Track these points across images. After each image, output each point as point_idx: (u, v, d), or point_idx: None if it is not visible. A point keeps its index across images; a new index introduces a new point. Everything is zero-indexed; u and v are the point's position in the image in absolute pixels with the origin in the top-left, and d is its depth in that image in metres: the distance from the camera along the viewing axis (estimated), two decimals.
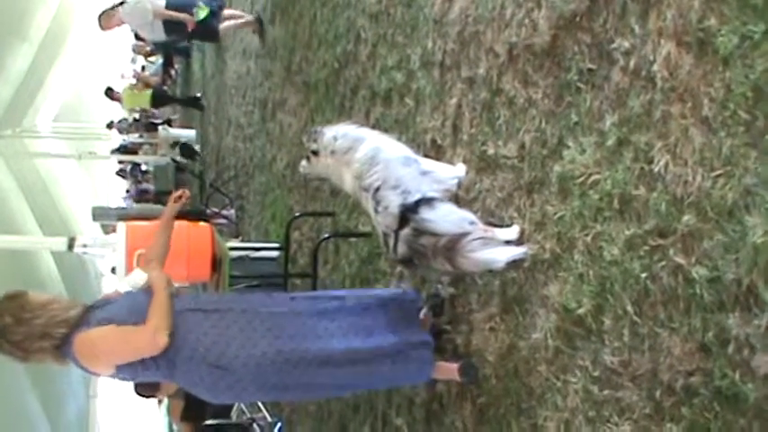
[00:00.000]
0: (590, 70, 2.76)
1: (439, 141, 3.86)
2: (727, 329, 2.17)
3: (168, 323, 3.09)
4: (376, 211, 3.27)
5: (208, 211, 8.81)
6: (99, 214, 9.50)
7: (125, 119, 22.08)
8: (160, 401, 7.33)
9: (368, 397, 4.63)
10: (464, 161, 3.60)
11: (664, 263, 2.40)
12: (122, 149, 19.97)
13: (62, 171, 17.13)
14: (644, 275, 2.46)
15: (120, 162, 21.18)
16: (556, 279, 2.90)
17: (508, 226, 3.22)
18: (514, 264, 3.09)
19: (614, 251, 2.59)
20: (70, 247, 5.55)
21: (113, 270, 5.61)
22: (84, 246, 5.72)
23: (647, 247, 2.46)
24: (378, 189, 3.24)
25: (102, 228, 10.21)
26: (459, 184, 3.57)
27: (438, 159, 3.78)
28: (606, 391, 2.62)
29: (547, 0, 3.03)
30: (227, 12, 8.97)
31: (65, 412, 11.06)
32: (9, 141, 12.18)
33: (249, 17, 8.89)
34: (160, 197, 14.88)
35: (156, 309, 3.11)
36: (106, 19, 8.58)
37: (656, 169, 2.43)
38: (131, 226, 4.61)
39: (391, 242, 3.25)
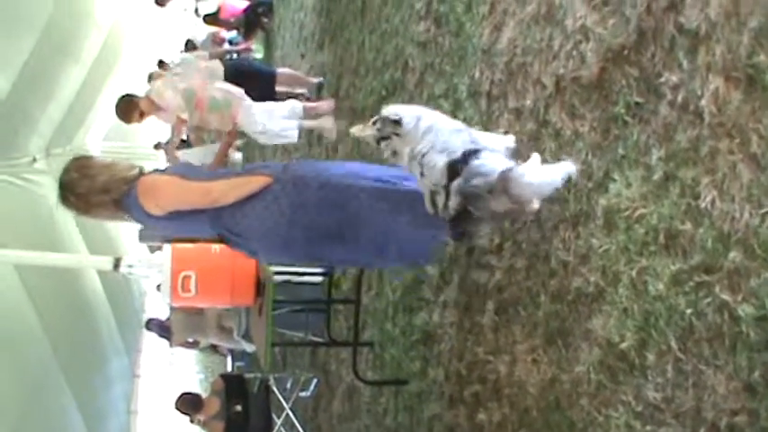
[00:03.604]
0: (637, 104, 2.76)
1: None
2: None
3: (224, 201, 3.48)
4: (422, 174, 3.15)
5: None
6: (145, 235, 9.61)
7: (171, 139, 22.28)
8: (198, 422, 7.37)
9: None
10: None
11: (709, 299, 2.37)
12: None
13: None
14: (689, 312, 2.44)
15: None
16: (600, 313, 2.88)
17: None
18: (568, 182, 2.96)
19: (659, 286, 2.57)
20: (116, 266, 5.62)
21: (159, 287, 5.68)
22: (130, 266, 5.79)
23: (692, 283, 2.44)
24: (425, 154, 3.13)
25: (148, 247, 10.32)
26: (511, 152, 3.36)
27: None
28: (649, 427, 2.60)
29: (594, 33, 3.04)
30: (285, 71, 8.58)
31: (106, 428, 11.13)
32: (60, 160, 12.34)
33: (311, 80, 8.37)
34: None
35: (225, 187, 3.53)
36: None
37: (703, 205, 2.42)
38: (177, 248, 4.67)
39: (441, 199, 3.07)
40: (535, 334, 3.32)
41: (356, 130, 3.40)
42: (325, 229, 3.51)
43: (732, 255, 2.30)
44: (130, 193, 3.55)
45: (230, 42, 13.92)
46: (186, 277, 4.22)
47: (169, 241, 5.36)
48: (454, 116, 4.22)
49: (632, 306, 2.70)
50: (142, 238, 9.31)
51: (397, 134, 3.26)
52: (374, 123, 3.31)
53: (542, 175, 2.87)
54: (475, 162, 2.96)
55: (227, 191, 3.52)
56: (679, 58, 2.58)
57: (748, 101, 2.30)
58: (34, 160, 10.15)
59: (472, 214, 3.00)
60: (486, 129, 3.87)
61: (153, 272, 5.72)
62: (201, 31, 15.39)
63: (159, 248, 6.05)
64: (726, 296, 2.31)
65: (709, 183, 2.41)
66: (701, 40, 2.49)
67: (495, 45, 3.87)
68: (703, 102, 2.45)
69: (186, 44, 15.35)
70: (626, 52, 2.84)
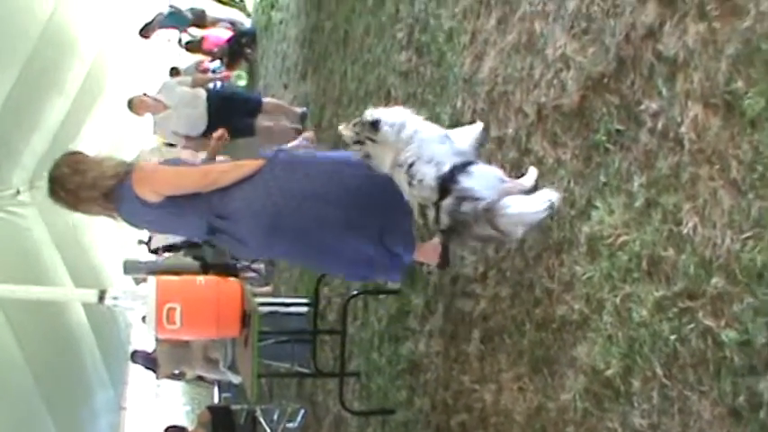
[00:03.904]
0: (618, 131, 2.78)
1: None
2: (758, 394, 2.15)
3: (220, 183, 3.62)
4: (410, 184, 3.21)
5: (238, 264, 8.85)
6: (130, 268, 9.55)
7: None
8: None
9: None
10: None
11: (693, 325, 2.38)
12: None
13: (93, 222, 17.27)
14: (673, 338, 2.45)
15: None
16: (584, 340, 2.88)
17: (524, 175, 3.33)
18: (551, 210, 2.99)
19: (643, 313, 2.58)
20: (101, 299, 5.58)
21: (144, 319, 5.65)
22: (115, 298, 5.74)
23: (676, 309, 2.45)
24: (412, 164, 3.20)
25: (133, 279, 10.26)
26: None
27: None
28: None
29: (575, 61, 3.06)
30: (270, 100, 8.68)
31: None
32: (44, 192, 12.28)
33: (295, 109, 8.40)
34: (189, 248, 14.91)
35: (221, 169, 3.72)
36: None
37: (685, 231, 2.43)
38: (162, 280, 4.64)
39: (431, 214, 3.16)
40: (521, 362, 3.32)
41: (342, 128, 3.51)
42: (310, 219, 3.62)
43: (714, 280, 2.31)
44: (124, 184, 3.64)
45: (213, 72, 13.95)
46: (171, 309, 4.19)
47: (154, 273, 5.34)
48: None
49: (617, 333, 2.71)
50: (127, 270, 9.25)
51: (372, 140, 3.35)
52: (354, 125, 3.44)
53: (527, 207, 2.96)
54: (466, 184, 3.02)
55: (224, 171, 3.69)
56: (658, 85, 2.60)
57: (727, 127, 2.32)
58: (18, 193, 10.10)
59: (459, 233, 3.12)
60: None
61: (138, 304, 5.69)
62: (186, 60, 15.40)
63: (144, 280, 6.02)
64: (709, 322, 2.32)
65: (691, 209, 2.42)
66: (680, 67, 2.52)
67: (476, 74, 3.89)
68: (683, 128, 2.47)
69: (171, 71, 15.36)
70: (606, 80, 2.86)
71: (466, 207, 3.01)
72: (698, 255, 2.38)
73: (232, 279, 5.18)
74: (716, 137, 2.35)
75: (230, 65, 13.38)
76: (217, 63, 14.44)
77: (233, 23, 13.72)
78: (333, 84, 6.89)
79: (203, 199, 3.65)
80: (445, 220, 3.09)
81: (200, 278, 4.75)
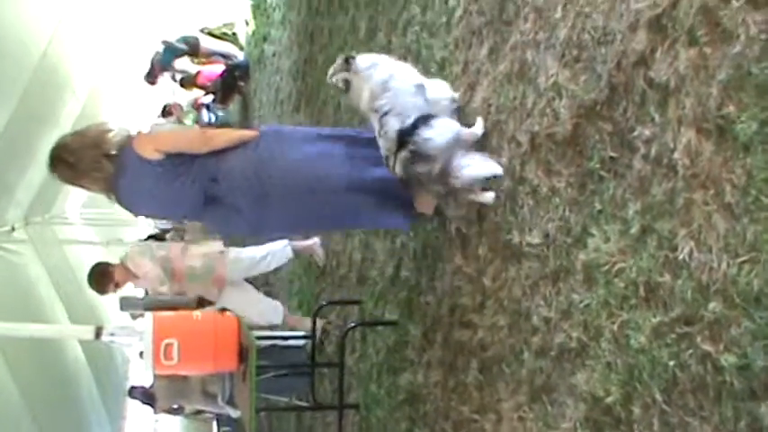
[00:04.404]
0: (612, 158, 2.79)
1: (463, 230, 3.88)
2: (759, 418, 2.13)
3: (218, 145, 3.82)
4: (379, 134, 3.64)
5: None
6: (126, 304, 9.52)
7: None
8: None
9: None
10: (489, 250, 3.62)
11: (692, 351, 2.37)
12: (150, 238, 20.07)
13: (90, 258, 17.24)
14: (672, 363, 2.44)
15: None
16: (583, 368, 2.87)
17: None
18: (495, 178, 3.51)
19: (641, 339, 2.57)
20: (97, 335, 5.55)
21: (141, 354, 5.62)
22: (112, 334, 5.72)
23: (674, 335, 2.44)
24: (385, 114, 3.60)
25: (130, 315, 10.24)
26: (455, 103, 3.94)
27: (464, 249, 3.82)
28: None
29: (567, 89, 3.07)
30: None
31: None
32: (38, 228, 12.29)
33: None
34: None
35: (221, 131, 4.05)
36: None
37: (681, 256, 2.43)
38: (158, 316, 4.63)
39: (391, 163, 3.61)
40: (520, 391, 3.31)
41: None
42: (303, 180, 3.85)
43: (712, 305, 2.31)
44: (125, 150, 3.81)
45: (208, 108, 13.98)
46: (168, 345, 4.19)
47: (151, 309, 5.32)
48: None
49: (615, 360, 2.70)
50: (123, 306, 9.23)
51: (347, 70, 3.81)
52: (334, 69, 3.87)
53: (474, 170, 3.49)
54: (425, 134, 3.48)
55: (220, 133, 3.99)
56: (650, 111, 2.61)
57: (720, 152, 2.32)
58: (13, 229, 10.10)
59: (413, 185, 3.71)
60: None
61: (135, 340, 5.67)
62: (182, 97, 15.45)
63: (141, 316, 6.01)
64: (708, 347, 2.31)
65: (686, 234, 2.42)
66: (671, 93, 2.52)
67: (469, 104, 3.91)
68: (676, 154, 2.47)
69: (163, 109, 15.39)
70: (598, 108, 2.87)
71: (421, 168, 3.50)
72: (694, 280, 2.38)
73: (229, 314, 5.18)
74: (709, 162, 2.36)
75: (224, 98, 13.42)
76: (210, 97, 14.50)
77: (226, 57, 13.76)
78: (326, 115, 6.91)
79: (199, 162, 3.82)
80: (399, 170, 3.58)
81: (197, 313, 4.75)
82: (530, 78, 3.37)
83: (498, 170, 3.49)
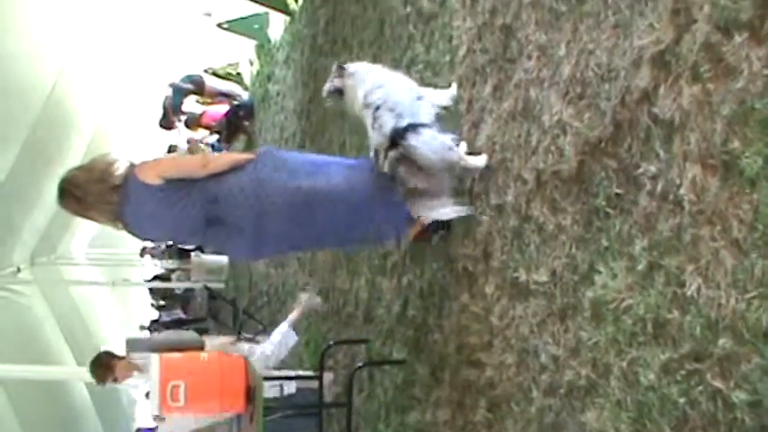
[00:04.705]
0: (618, 195, 2.79)
1: (470, 269, 3.87)
2: None
3: (217, 168, 3.94)
4: (372, 127, 3.82)
5: (241, 336, 8.79)
6: (133, 346, 9.49)
7: (157, 245, 22.29)
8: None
9: None
10: (496, 288, 3.61)
11: (702, 387, 2.36)
12: (156, 279, 20.09)
13: (96, 298, 17.26)
14: (682, 400, 2.42)
15: (151, 291, 21.25)
16: (593, 405, 2.85)
17: (479, 153, 3.81)
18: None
19: (651, 376, 2.56)
20: None
21: (147, 395, 5.60)
22: None
23: (683, 372, 2.43)
24: (378, 108, 3.79)
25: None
26: (453, 102, 4.13)
27: (470, 287, 3.81)
28: None
29: (571, 126, 3.08)
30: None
31: None
32: (44, 269, 12.32)
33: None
34: (193, 322, 14.85)
35: (218, 156, 4.32)
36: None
37: (689, 293, 2.42)
38: (165, 357, 4.62)
39: (381, 158, 3.78)
40: (529, 429, 3.28)
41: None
42: (297, 197, 3.93)
43: (721, 341, 2.29)
44: (129, 179, 3.94)
45: (213, 147, 14.02)
46: (175, 386, 4.19)
47: (157, 351, 5.30)
48: None
49: (625, 397, 2.68)
50: (130, 348, 9.20)
51: (339, 76, 4.10)
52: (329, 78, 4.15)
53: (436, 213, 3.74)
54: (412, 141, 3.63)
55: (218, 158, 4.22)
56: (655, 148, 2.61)
57: (725, 187, 2.32)
58: (18, 270, 10.11)
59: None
60: (469, 226, 3.90)
61: (141, 381, 5.65)
62: (186, 137, 15.50)
63: (147, 359, 5.97)
64: (718, 383, 2.30)
65: (694, 270, 2.41)
66: (676, 129, 2.53)
67: (474, 142, 3.91)
68: (682, 190, 2.47)
69: (169, 149, 15.43)
70: (603, 145, 2.88)
71: (402, 172, 3.70)
72: (703, 316, 2.37)
73: (236, 354, 5.16)
74: (715, 197, 2.35)
75: (229, 138, 13.46)
76: (215, 137, 14.55)
77: (231, 96, 13.82)
78: (331, 153, 6.92)
79: (200, 185, 3.93)
80: (386, 167, 3.75)
81: (203, 354, 4.74)
82: (534, 116, 3.38)
83: (451, 216, 3.77)
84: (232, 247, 4.32)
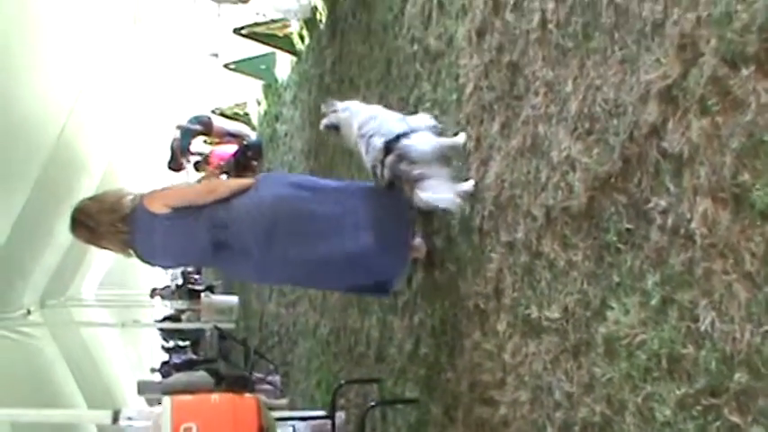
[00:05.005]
0: (628, 230, 2.78)
1: (482, 306, 3.86)
2: None
3: (224, 193, 4.17)
4: (366, 152, 4.15)
5: (253, 376, 8.78)
6: (144, 388, 9.47)
7: (168, 286, 22.29)
8: None
9: None
10: (508, 325, 3.60)
11: (719, 423, 2.33)
12: (166, 320, 20.07)
13: (106, 340, 17.25)
14: None
15: (161, 332, 21.21)
16: None
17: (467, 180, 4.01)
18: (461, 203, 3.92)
19: (666, 412, 2.53)
20: (115, 420, 5.51)
21: None
22: (129, 418, 5.68)
23: (699, 407, 2.41)
24: (371, 136, 4.12)
25: (146, 400, 10.19)
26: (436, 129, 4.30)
27: (482, 325, 3.80)
28: None
29: (580, 162, 3.08)
30: None
31: None
32: (55, 311, 12.31)
33: None
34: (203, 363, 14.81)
35: (222, 181, 4.76)
36: None
37: (703, 327, 2.40)
38: (177, 399, 4.60)
39: (379, 171, 4.07)
40: None
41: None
42: (294, 226, 4.16)
43: (737, 376, 2.28)
44: (137, 208, 4.14)
45: None
46: (187, 429, 4.17)
47: (169, 393, 5.29)
48: (449, 253, 4.27)
49: None
50: (141, 390, 9.19)
51: (334, 111, 4.50)
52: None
53: (433, 197, 3.84)
54: (405, 141, 3.97)
55: (223, 183, 4.61)
56: (665, 182, 2.61)
57: (737, 220, 2.31)
58: (29, 312, 10.11)
59: (398, 187, 4.03)
60: (480, 263, 3.90)
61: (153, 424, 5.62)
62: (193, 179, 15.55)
63: (158, 401, 5.95)
64: (735, 418, 2.28)
65: (708, 304, 2.40)
66: (686, 163, 2.52)
67: (482, 180, 3.92)
68: (693, 224, 2.47)
69: None
70: (613, 180, 2.88)
71: (403, 166, 3.92)
72: (718, 350, 2.35)
73: (248, 395, 5.14)
74: (727, 230, 2.35)
75: (237, 178, 13.48)
76: (224, 177, 14.60)
77: (239, 136, 13.88)
78: None
79: (206, 211, 4.14)
80: (387, 174, 4.01)
81: (215, 396, 4.71)
82: (543, 152, 3.39)
83: (452, 205, 3.89)
84: (239, 271, 4.55)
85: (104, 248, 4.48)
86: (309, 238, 4.16)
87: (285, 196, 4.23)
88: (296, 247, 4.16)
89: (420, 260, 4.65)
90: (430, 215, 4.54)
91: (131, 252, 4.30)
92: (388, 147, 4.01)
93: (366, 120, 4.23)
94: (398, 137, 4.02)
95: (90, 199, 4.38)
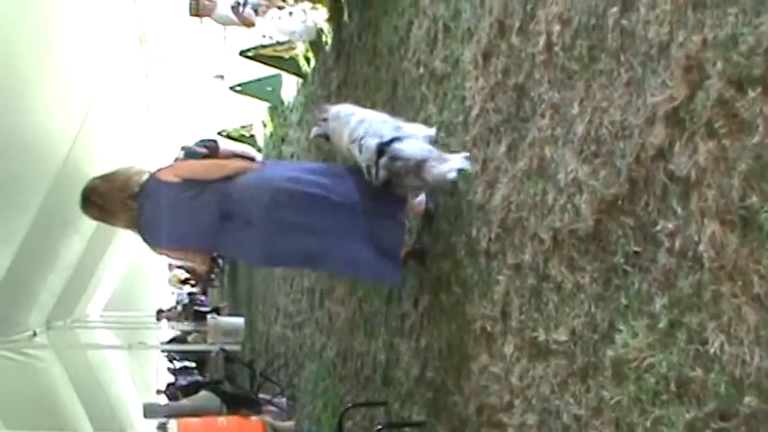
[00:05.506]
0: (636, 253, 2.77)
1: (489, 329, 3.85)
2: None
3: (234, 172, 4.47)
4: (360, 152, 4.26)
5: (259, 398, 8.76)
6: (150, 411, 9.44)
7: (174, 307, 22.32)
8: None
9: None
10: (515, 348, 3.58)
11: None
12: (173, 341, 20.08)
13: (112, 362, 17.24)
14: None
15: (166, 354, 21.20)
16: None
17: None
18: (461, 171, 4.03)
19: None
20: None
21: None
22: None
23: (709, 431, 2.40)
24: (362, 138, 4.24)
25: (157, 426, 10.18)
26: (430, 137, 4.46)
27: (489, 348, 3.79)
28: None
29: (587, 185, 3.08)
30: None
31: None
32: (61, 333, 12.32)
33: None
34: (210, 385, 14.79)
35: (230, 161, 5.00)
36: None
37: (712, 350, 2.39)
38: (184, 422, 4.60)
39: (374, 171, 4.19)
40: None
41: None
42: (296, 199, 4.37)
43: (747, 399, 2.26)
44: (150, 180, 4.45)
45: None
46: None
47: (175, 416, 5.28)
48: (455, 276, 4.27)
49: None
50: (147, 413, 9.16)
51: (324, 120, 4.69)
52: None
53: (443, 169, 3.98)
54: (397, 145, 4.12)
55: (230, 163, 4.86)
56: (673, 205, 2.60)
57: (745, 243, 2.31)
58: (34, 334, 10.12)
59: (394, 183, 4.20)
60: (487, 286, 3.89)
61: None
62: None
63: (165, 426, 5.96)
64: None
65: (716, 327, 2.39)
66: (693, 186, 2.52)
67: (489, 202, 3.92)
68: (701, 247, 2.46)
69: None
70: (620, 202, 2.87)
71: (398, 163, 4.08)
72: (727, 374, 2.34)
73: (254, 417, 5.14)
74: (735, 253, 2.34)
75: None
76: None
77: (245, 158, 13.89)
78: None
79: (213, 185, 4.39)
80: (382, 173, 4.15)
81: (222, 419, 4.72)
82: (549, 175, 3.39)
83: (465, 164, 4.02)
84: (245, 245, 4.60)
85: (113, 225, 4.70)
86: (312, 207, 4.36)
87: (290, 176, 4.47)
88: (298, 213, 4.36)
89: (416, 254, 4.81)
90: (438, 237, 4.54)
91: (137, 230, 4.55)
92: (381, 149, 4.14)
93: (355, 126, 4.37)
94: (391, 141, 4.15)
95: (100, 178, 4.58)
